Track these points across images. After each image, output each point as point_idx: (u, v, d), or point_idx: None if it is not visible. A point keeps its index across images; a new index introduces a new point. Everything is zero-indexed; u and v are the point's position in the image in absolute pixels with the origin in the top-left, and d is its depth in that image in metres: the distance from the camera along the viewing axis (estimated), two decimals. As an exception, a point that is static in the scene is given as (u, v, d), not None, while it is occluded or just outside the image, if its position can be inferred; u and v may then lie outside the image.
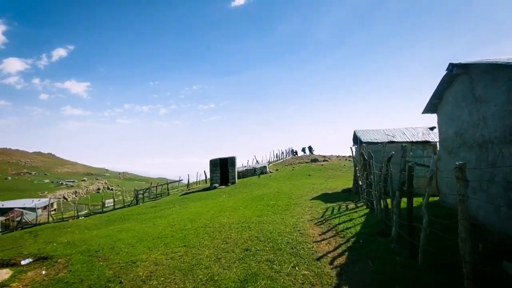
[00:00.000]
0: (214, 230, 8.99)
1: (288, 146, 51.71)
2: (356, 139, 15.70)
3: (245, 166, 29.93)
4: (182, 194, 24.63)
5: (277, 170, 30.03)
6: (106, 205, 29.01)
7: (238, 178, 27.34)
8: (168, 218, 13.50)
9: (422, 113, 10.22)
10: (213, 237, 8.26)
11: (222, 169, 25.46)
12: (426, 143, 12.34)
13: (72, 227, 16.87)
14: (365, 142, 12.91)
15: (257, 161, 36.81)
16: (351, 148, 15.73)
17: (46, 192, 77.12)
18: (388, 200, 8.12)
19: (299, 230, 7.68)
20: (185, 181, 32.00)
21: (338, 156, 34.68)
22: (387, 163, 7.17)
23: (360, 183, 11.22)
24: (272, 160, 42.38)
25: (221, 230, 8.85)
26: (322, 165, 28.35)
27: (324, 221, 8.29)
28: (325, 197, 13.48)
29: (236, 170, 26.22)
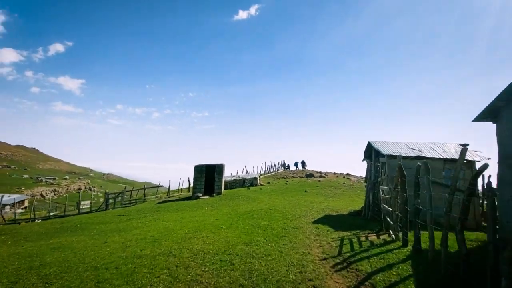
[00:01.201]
0: (179, 264, 6.05)
1: (280, 159, 49.12)
2: (369, 152, 13.14)
3: (233, 176, 27.00)
4: (159, 202, 21.41)
5: (268, 183, 27.18)
6: (82, 207, 25.53)
7: (225, 189, 24.34)
8: (129, 234, 10.43)
9: (474, 120, 7.71)
10: (174, 277, 5.33)
11: (208, 177, 22.47)
12: (465, 162, 9.88)
13: (9, 234, 13.48)
14: (386, 155, 10.32)
15: (247, 171, 33.92)
16: (369, 163, 13.12)
17: (23, 188, 71.78)
18: (425, 234, 5.45)
19: (310, 280, 4.84)
20: (167, 187, 28.78)
21: (335, 173, 32.16)
22: (473, 180, 4.51)
23: (385, 207, 8.50)
24: (263, 172, 39.53)
25: (189, 265, 5.92)
26: (319, 181, 25.68)
27: (346, 264, 5.47)
28: (331, 221, 10.69)
29: (223, 179, 23.26)
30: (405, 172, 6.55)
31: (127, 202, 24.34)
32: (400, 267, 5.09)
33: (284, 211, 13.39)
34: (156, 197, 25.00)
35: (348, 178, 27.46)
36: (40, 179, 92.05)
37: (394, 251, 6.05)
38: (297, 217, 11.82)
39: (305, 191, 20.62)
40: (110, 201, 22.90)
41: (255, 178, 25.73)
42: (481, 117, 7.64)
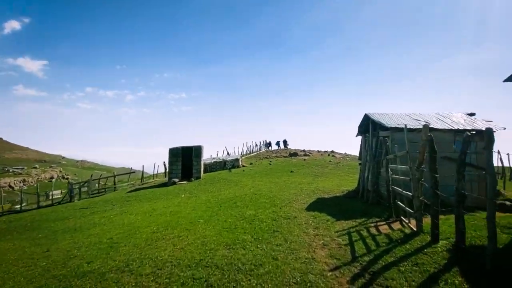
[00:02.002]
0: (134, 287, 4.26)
1: (262, 139, 47.54)
2: (365, 127, 11.66)
3: (213, 158, 25.11)
4: (131, 191, 19.26)
5: (251, 164, 25.59)
6: (54, 196, 22.81)
7: (204, 172, 22.49)
8: (83, 235, 8.44)
9: (506, 80, 6.25)
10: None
11: (185, 160, 20.44)
12: (476, 133, 8.60)
13: None
14: (390, 128, 8.81)
15: (228, 153, 32.08)
16: (365, 138, 11.63)
17: (-13, 181, 65.84)
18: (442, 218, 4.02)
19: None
20: (145, 174, 26.46)
21: (319, 151, 31.11)
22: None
23: (398, 190, 7.04)
24: (245, 152, 37.87)
25: (147, 290, 4.15)
26: (305, 160, 24.40)
27: (369, 277, 3.89)
28: (327, 206, 9.25)
29: (202, 162, 21.33)
30: (436, 148, 4.99)
31: (95, 192, 21.93)
32: (450, 281, 3.62)
33: (271, 195, 11.84)
34: (128, 184, 22.73)
35: (333, 156, 26.45)
36: (6, 169, 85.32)
37: (426, 250, 4.59)
38: (287, 202, 10.30)
39: (291, 172, 19.23)
40: (76, 191, 20.41)
41: (237, 160, 24.00)
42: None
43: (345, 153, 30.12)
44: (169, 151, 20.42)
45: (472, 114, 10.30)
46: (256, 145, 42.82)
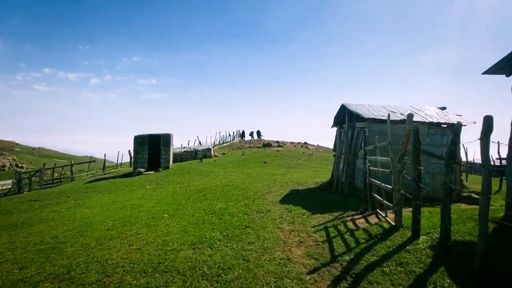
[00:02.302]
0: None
1: (236, 129, 46.75)
2: (341, 118, 11.40)
3: (184, 148, 23.96)
4: (91, 181, 17.68)
5: (223, 154, 24.82)
6: (5, 187, 20.26)
7: (174, 162, 21.36)
8: (24, 233, 7.28)
9: (484, 73, 6.10)
10: None
11: (152, 149, 19.16)
12: (447, 126, 8.62)
13: None
14: (368, 119, 8.55)
15: (200, 142, 30.94)
16: (341, 129, 11.37)
17: None
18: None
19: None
20: (109, 163, 24.56)
21: (292, 143, 31.07)
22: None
23: (376, 182, 6.76)
24: (218, 142, 36.92)
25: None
26: (278, 151, 24.12)
27: (351, 280, 3.49)
28: (302, 199, 8.87)
29: (171, 151, 20.18)
30: (421, 139, 4.64)
31: (49, 182, 19.92)
32: (438, 283, 3.26)
33: (244, 187, 11.27)
34: (88, 174, 20.92)
35: (306, 147, 26.48)
36: (-50, 158, 76.28)
37: (408, 248, 4.26)
38: (260, 194, 9.79)
39: (265, 162, 18.79)
40: (25, 181, 18.35)
41: (209, 149, 23.10)
42: (495, 69, 6.02)
43: (317, 145, 30.38)
44: (134, 138, 18.97)
45: (443, 108, 10.44)
46: (230, 135, 42.02)
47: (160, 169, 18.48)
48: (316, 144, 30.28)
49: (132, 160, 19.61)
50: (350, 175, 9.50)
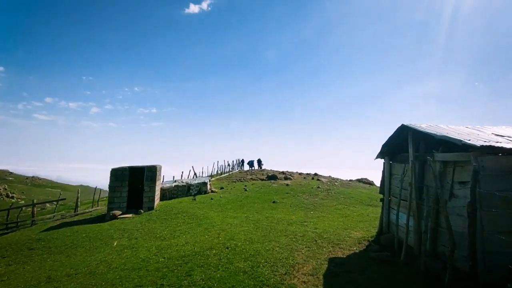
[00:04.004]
0: None
1: (236, 158, 43.12)
2: (396, 146, 7.84)
3: (175, 181, 20.11)
4: (50, 228, 13.59)
5: (221, 188, 20.91)
6: None
7: (162, 199, 17.43)
8: None
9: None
10: None
11: (133, 185, 15.33)
12: None
13: None
14: (472, 147, 4.89)
15: (195, 173, 27.11)
16: (394, 159, 7.74)
17: None
18: None
19: None
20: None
21: (300, 174, 27.29)
22: None
23: None
24: (216, 173, 33.04)
25: None
26: (288, 185, 20.25)
27: None
28: (357, 285, 5.02)
29: (158, 187, 16.35)
30: None
31: (3, 228, 15.72)
32: None
33: (252, 251, 7.37)
34: (54, 216, 16.76)
35: (318, 179, 22.69)
36: None
37: None
38: (282, 273, 5.90)
39: (273, 202, 14.89)
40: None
41: (204, 184, 19.22)
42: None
43: (330, 176, 26.58)
44: (111, 172, 15.17)
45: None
46: (229, 164, 38.26)
47: (142, 211, 14.50)
48: (328, 176, 26.50)
49: (108, 199, 15.67)
50: (431, 239, 5.67)
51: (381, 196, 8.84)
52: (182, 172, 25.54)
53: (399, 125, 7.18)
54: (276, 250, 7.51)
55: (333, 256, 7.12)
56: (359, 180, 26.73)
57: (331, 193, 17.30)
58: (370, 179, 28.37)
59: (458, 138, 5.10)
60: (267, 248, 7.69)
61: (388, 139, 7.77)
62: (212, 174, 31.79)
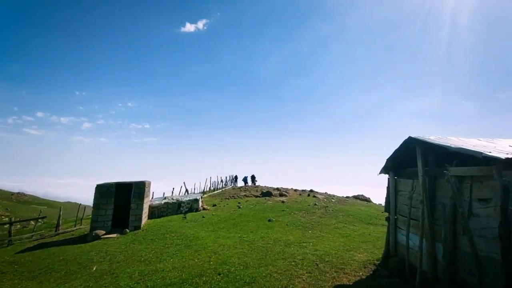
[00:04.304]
0: None
1: (229, 174, 42.24)
2: (402, 160, 7.32)
3: (165, 198, 19.13)
4: (27, 249, 12.42)
5: (214, 206, 19.98)
6: None
7: (151, 217, 16.43)
8: None
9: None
10: None
11: (120, 202, 14.39)
12: None
13: None
14: (505, 161, 4.36)
15: (186, 189, 26.08)
16: (399, 175, 7.18)
17: None
18: None
19: None
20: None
21: (296, 190, 26.52)
22: None
23: None
24: (209, 189, 32.02)
25: None
26: (283, 202, 19.45)
27: None
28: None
29: (146, 204, 15.40)
30: None
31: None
32: None
33: (247, 277, 6.57)
34: (33, 235, 15.49)
35: (314, 196, 21.97)
36: None
37: None
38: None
39: (269, 220, 14.06)
40: None
41: (196, 201, 18.31)
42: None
43: (326, 192, 25.89)
44: (96, 189, 14.23)
45: None
46: (222, 180, 37.34)
47: (127, 230, 13.49)
48: (324, 192, 25.80)
49: (91, 217, 14.60)
50: (448, 264, 5.03)
51: (385, 214, 8.21)
52: (173, 188, 24.53)
53: (396, 139, 6.71)
54: (274, 277, 6.72)
55: (338, 283, 6.36)
56: (356, 197, 26.09)
57: (329, 210, 16.57)
58: (366, 195, 27.77)
59: (478, 151, 4.57)
60: (263, 274, 6.89)
61: (394, 152, 7.25)
62: (205, 190, 30.77)
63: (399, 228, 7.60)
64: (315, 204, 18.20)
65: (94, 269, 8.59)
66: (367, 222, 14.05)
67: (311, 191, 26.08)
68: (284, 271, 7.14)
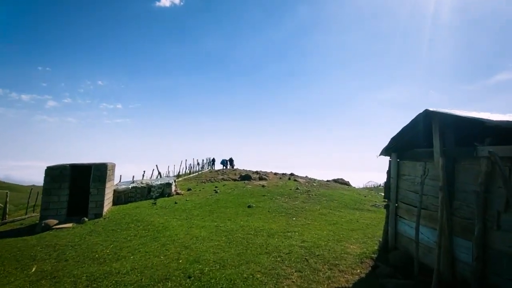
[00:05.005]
0: None
1: (207, 156, 40.53)
2: (414, 138, 6.21)
3: (133, 182, 17.28)
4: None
5: (189, 190, 18.48)
6: None
7: (116, 203, 14.65)
8: None
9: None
10: None
11: (77, 187, 12.43)
12: None
13: None
14: None
15: (159, 172, 24.21)
16: (403, 157, 6.03)
17: None
18: None
19: None
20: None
21: (276, 174, 25.55)
22: None
23: None
24: (184, 172, 30.28)
25: None
26: (263, 186, 18.31)
27: None
28: None
29: (109, 189, 13.57)
30: None
31: None
32: None
33: (224, 280, 5.28)
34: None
35: (296, 180, 21.08)
36: None
37: None
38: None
39: (249, 206, 12.85)
40: None
41: (168, 184, 16.66)
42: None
43: (306, 176, 25.17)
44: (46, 172, 12.11)
45: None
46: (198, 163, 35.64)
47: (86, 219, 11.69)
48: (305, 176, 25.06)
49: (41, 205, 12.51)
50: (479, 268, 4.03)
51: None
52: (144, 171, 22.56)
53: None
54: (257, 278, 5.49)
55: (336, 286, 5.24)
56: (335, 181, 25.68)
57: (312, 195, 15.66)
58: (346, 179, 27.53)
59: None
60: (244, 275, 5.64)
61: (401, 130, 6.09)
62: (180, 174, 29.01)
63: (401, 217, 6.60)
64: (297, 189, 17.25)
65: (33, 270, 6.91)
66: (352, 208, 13.28)
67: (292, 174, 25.24)
68: (269, 269, 5.93)
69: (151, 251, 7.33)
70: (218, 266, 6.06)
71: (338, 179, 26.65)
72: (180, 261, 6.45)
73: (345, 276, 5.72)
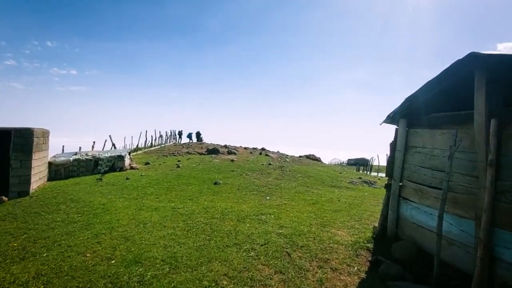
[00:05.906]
0: None
1: (171, 128, 37.62)
2: (425, 102, 4.69)
3: (76, 153, 14.51)
4: None
5: (147, 164, 16.19)
6: None
7: (55, 179, 12.04)
8: None
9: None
10: None
11: (-8, 157, 9.65)
12: None
13: None
14: None
15: (113, 144, 21.29)
16: (419, 125, 4.52)
17: None
18: None
19: None
20: None
21: (246, 148, 23.92)
22: None
23: None
24: (143, 145, 27.44)
25: None
26: (233, 161, 16.56)
27: None
28: None
29: (42, 161, 10.94)
30: None
31: None
32: None
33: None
34: None
35: (267, 155, 19.65)
36: None
37: None
38: None
39: (215, 183, 11.09)
40: None
41: (120, 157, 14.22)
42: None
43: (278, 151, 23.90)
44: None
45: None
46: (161, 136, 32.77)
47: (6, 198, 9.13)
48: (276, 151, 23.79)
49: None
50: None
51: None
52: (94, 142, 19.49)
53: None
54: (222, 287, 3.83)
55: (334, 297, 3.78)
56: (307, 157, 24.83)
57: (286, 171, 14.30)
58: (317, 155, 26.87)
59: None
60: (204, 281, 3.95)
61: (423, 87, 4.52)
62: (139, 147, 26.16)
63: (406, 199, 5.28)
64: (270, 164, 15.78)
65: None
66: (330, 185, 12.14)
67: (263, 149, 23.80)
68: (240, 271, 4.31)
69: (75, 245, 5.31)
70: (167, 269, 4.30)
71: (309, 155, 25.83)
72: (113, 261, 4.56)
73: (341, 277, 4.30)
